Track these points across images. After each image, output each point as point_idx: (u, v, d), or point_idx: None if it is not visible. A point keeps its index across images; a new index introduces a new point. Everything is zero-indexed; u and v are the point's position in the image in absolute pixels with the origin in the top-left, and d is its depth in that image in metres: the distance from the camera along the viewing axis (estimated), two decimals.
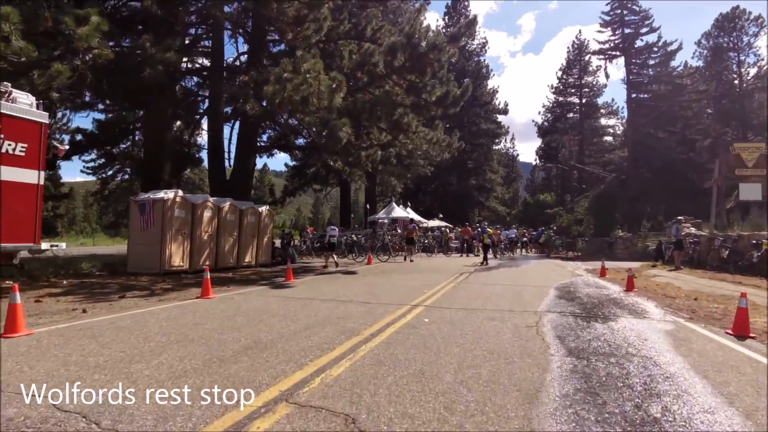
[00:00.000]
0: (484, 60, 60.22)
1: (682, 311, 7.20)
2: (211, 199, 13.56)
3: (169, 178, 19.39)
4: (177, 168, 23.07)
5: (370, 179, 38.65)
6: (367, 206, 29.65)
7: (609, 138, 62.89)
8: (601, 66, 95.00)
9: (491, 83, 61.77)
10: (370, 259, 16.60)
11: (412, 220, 22.62)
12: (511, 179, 79.64)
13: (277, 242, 19.57)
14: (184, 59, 17.97)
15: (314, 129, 13.71)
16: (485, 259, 19.05)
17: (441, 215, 35.26)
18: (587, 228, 33.17)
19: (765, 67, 42.67)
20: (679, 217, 15.38)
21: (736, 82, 43.28)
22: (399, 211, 33.15)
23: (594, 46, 43.00)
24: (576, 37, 61.94)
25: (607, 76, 44.97)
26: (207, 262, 13.07)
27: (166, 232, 11.87)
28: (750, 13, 42.39)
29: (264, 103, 13.60)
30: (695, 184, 40.15)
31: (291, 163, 33.28)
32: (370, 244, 19.58)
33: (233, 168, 19.58)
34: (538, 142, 69.67)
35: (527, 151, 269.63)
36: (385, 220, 32.08)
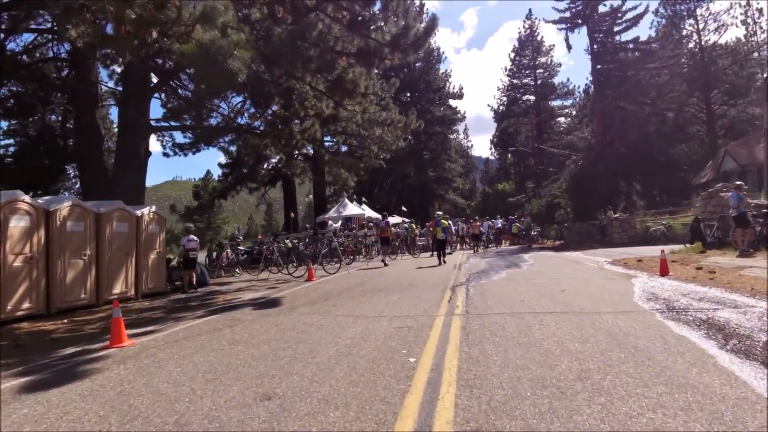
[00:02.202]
0: (435, 42, 56.20)
1: None
2: (24, 198, 8.01)
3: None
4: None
5: (317, 173, 33.53)
6: (306, 201, 24.30)
7: (567, 119, 60.71)
8: (554, 45, 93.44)
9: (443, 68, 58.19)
10: (312, 272, 11.46)
11: (384, 215, 17.75)
12: (468, 170, 76.62)
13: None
14: None
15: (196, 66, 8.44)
16: (439, 257, 14.83)
17: (404, 209, 30.56)
18: (567, 213, 29.46)
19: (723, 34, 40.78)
20: (738, 182, 11.24)
21: (696, 49, 41.08)
22: (353, 209, 28.14)
23: (554, 16, 39.38)
24: (527, 16, 59.15)
25: (569, 47, 42.30)
26: (25, 304, 7.62)
27: None
28: None
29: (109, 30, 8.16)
30: (674, 157, 37.60)
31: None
32: (312, 251, 14.39)
33: (116, 158, 13.97)
34: (488, 135, 67.19)
35: (478, 144, 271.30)
36: (337, 220, 27.00)
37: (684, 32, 42.03)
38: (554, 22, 38.88)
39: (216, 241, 19.51)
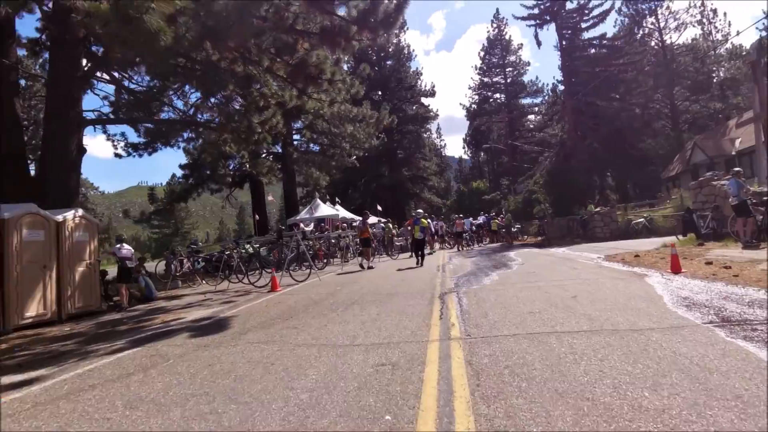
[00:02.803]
0: (405, 40, 55.09)
1: None
2: None
3: None
4: None
5: (287, 173, 31.81)
6: (268, 201, 22.59)
7: (537, 117, 60.59)
8: (522, 44, 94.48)
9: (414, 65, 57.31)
10: (276, 282, 9.87)
11: (365, 213, 16.28)
12: (442, 169, 76.07)
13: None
14: None
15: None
16: (418, 258, 13.87)
17: (379, 208, 29.16)
18: (545, 208, 28.67)
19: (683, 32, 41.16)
20: (736, 168, 10.27)
21: (658, 47, 41.24)
22: (326, 209, 26.55)
23: (522, 13, 38.68)
24: (494, 16, 58.71)
25: (538, 43, 41.67)
26: None
27: None
28: None
29: None
30: (644, 152, 37.46)
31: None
32: (277, 257, 12.78)
33: (41, 155, 12.06)
34: (460, 135, 66.83)
35: (451, 144, 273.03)
36: (309, 222, 25.39)
37: (646, 30, 42.22)
38: (523, 18, 38.19)
39: (170, 249, 17.59)
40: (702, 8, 41.57)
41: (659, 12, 41.30)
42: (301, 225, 25.01)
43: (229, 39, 9.59)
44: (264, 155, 32.65)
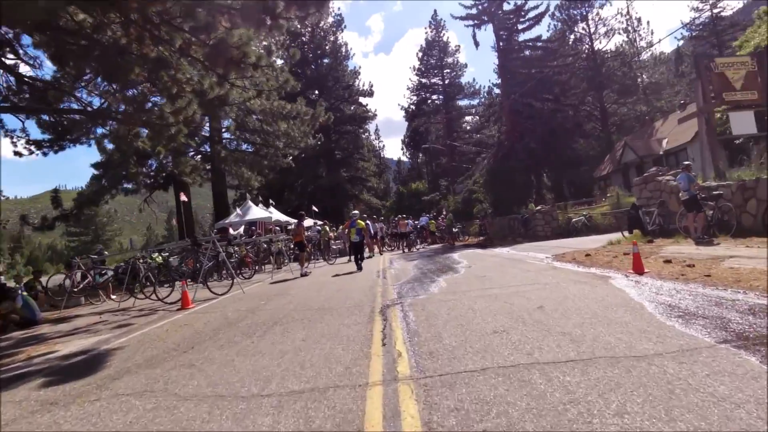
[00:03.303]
0: (342, 38, 53.88)
1: None
2: None
3: None
4: None
5: (217, 174, 29.53)
6: (180, 200, 20.50)
7: (474, 119, 61.63)
8: (460, 46, 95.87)
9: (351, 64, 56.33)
10: (187, 297, 8.25)
11: (301, 215, 14.85)
12: (381, 170, 75.60)
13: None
14: None
15: None
16: (356, 262, 13.06)
17: (315, 209, 27.73)
18: (485, 207, 28.60)
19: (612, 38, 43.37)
20: (686, 162, 10.05)
21: (589, 51, 43.06)
22: (258, 212, 24.68)
23: (461, 12, 38.76)
24: (432, 17, 58.92)
25: (476, 44, 42.09)
26: None
27: None
28: None
29: None
30: (577, 152, 38.75)
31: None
32: (192, 267, 11.04)
33: None
34: (399, 138, 66.79)
35: (389, 146, 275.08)
36: (239, 225, 23.50)
37: (578, 35, 43.99)
38: (461, 18, 38.34)
39: (66, 260, 15.22)
40: (628, 17, 43.87)
41: (590, 18, 43.12)
42: (230, 229, 23.07)
43: (128, 10, 8.02)
44: (192, 154, 30.15)
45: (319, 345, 4.33)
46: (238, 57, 10.91)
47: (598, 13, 42.68)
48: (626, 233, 12.30)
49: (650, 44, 42.34)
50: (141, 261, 10.27)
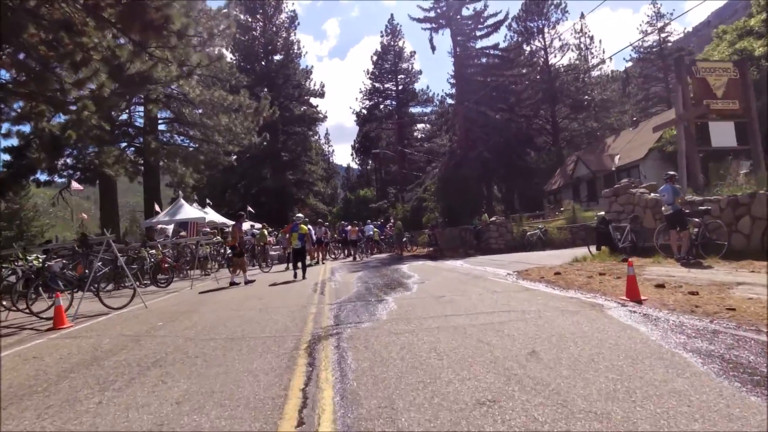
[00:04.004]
0: (295, 36, 51.80)
1: None
2: None
3: None
4: None
5: (148, 168, 26.75)
6: (73, 190, 18.00)
7: (427, 127, 61.30)
8: (415, 52, 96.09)
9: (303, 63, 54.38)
10: (62, 314, 6.30)
11: (240, 216, 12.94)
12: (330, 175, 73.75)
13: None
14: None
15: None
16: (295, 270, 12.05)
17: (251, 209, 25.61)
18: (436, 216, 27.65)
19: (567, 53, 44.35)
20: (671, 172, 9.19)
21: (543, 65, 43.76)
22: (191, 212, 22.21)
23: (419, 14, 37.96)
24: (389, 21, 58.24)
25: (433, 48, 41.26)
26: None
27: None
28: None
29: None
30: (530, 164, 38.89)
31: None
32: (81, 273, 8.90)
33: None
34: (349, 143, 65.53)
35: (339, 152, 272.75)
36: (169, 225, 21.04)
37: (534, 48, 44.62)
38: (419, 20, 37.56)
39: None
40: (581, 34, 45.04)
41: (546, 31, 43.80)
42: (160, 228, 20.63)
43: None
44: (125, 146, 27.17)
45: (196, 414, 2.74)
46: (159, 21, 9.08)
47: (554, 27, 43.33)
48: (594, 249, 11.46)
49: (602, 61, 43.62)
50: (17, 265, 8.09)
